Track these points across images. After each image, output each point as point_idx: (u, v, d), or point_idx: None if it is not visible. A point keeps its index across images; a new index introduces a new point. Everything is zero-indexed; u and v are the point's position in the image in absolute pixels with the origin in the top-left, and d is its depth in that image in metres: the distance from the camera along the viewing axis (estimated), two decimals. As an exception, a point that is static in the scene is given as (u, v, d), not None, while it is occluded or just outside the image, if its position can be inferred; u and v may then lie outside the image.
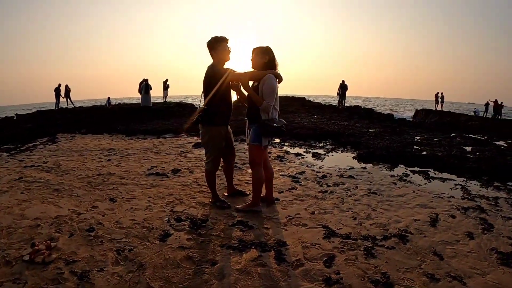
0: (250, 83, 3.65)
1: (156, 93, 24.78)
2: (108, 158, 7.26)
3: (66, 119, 14.30)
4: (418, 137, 10.54)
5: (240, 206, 4.09)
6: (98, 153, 7.86)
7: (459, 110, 46.45)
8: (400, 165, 7.02)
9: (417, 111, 31.34)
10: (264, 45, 3.68)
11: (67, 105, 22.71)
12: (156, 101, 20.97)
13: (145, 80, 17.96)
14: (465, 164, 6.89)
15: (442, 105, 30.60)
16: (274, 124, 3.53)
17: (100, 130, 12.04)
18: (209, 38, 3.67)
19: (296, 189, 5.06)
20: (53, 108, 21.53)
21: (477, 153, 8.37)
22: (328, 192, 4.99)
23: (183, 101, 25.33)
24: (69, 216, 3.93)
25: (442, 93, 30.57)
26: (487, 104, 29.14)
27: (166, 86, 24.01)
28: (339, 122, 14.15)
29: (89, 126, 13.17)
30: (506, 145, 10.52)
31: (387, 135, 10.36)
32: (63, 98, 22.87)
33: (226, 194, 4.55)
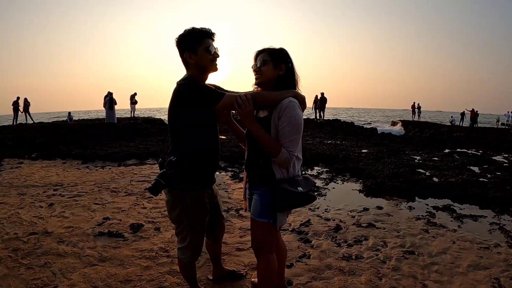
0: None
1: (124, 106, 23.08)
2: (51, 201, 5.59)
3: (19, 139, 12.33)
4: (417, 157, 9.80)
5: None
6: (41, 192, 6.17)
7: (432, 119, 47.60)
8: (416, 198, 5.97)
9: (393, 122, 31.03)
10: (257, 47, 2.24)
11: (26, 121, 20.90)
12: (122, 116, 19.34)
13: (110, 94, 16.28)
14: (486, 193, 6.05)
15: (419, 115, 30.38)
16: (299, 189, 2.01)
17: (54, 154, 10.28)
18: (181, 32, 2.14)
19: (309, 257, 3.59)
20: (10, 124, 19.71)
21: (489, 175, 7.78)
22: (353, 257, 3.59)
23: (152, 117, 23.69)
24: None
25: (418, 104, 30.28)
26: (463, 113, 29.38)
27: (133, 101, 22.30)
28: (325, 140, 13.01)
29: (43, 147, 11.46)
30: (507, 162, 10.10)
31: (385, 156, 9.22)
32: (22, 113, 21.14)
33: (211, 278, 2.99)
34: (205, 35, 2.10)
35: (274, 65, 2.09)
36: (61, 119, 26.15)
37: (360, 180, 6.93)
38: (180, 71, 2.19)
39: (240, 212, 4.90)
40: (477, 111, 27.36)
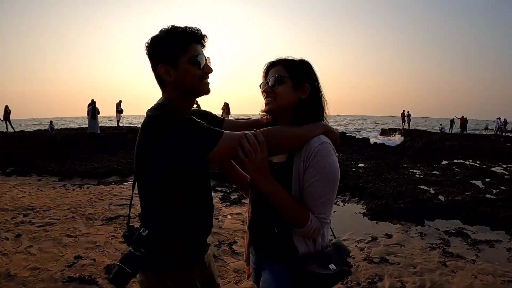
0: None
1: (110, 113, 22.22)
2: (19, 231, 4.91)
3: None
4: (417, 171, 9.38)
5: None
6: (9, 218, 5.49)
7: (421, 126, 47.75)
8: (425, 221, 5.50)
9: (383, 130, 30.79)
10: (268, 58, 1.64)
11: (6, 129, 19.84)
12: (107, 124, 18.54)
13: (93, 103, 15.51)
14: (497, 213, 5.75)
15: (408, 123, 30.18)
16: (332, 267, 1.32)
17: (30, 170, 9.53)
18: (155, 34, 1.37)
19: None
20: None
21: (494, 190, 7.53)
22: (370, 307, 3.04)
23: (137, 126, 22.90)
24: None
25: (408, 112, 30.07)
26: (452, 120, 29.38)
27: (119, 109, 21.35)
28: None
29: (20, 161, 10.69)
30: (507, 173, 9.95)
31: (384, 171, 8.73)
32: (2, 121, 20.30)
33: None
34: (191, 39, 1.35)
35: (294, 85, 1.39)
36: (43, 127, 25.23)
37: (363, 201, 6.41)
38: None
39: (234, 247, 4.29)
40: (466, 118, 27.40)
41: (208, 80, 1.40)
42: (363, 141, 16.17)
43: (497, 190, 7.51)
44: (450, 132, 28.52)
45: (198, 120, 1.27)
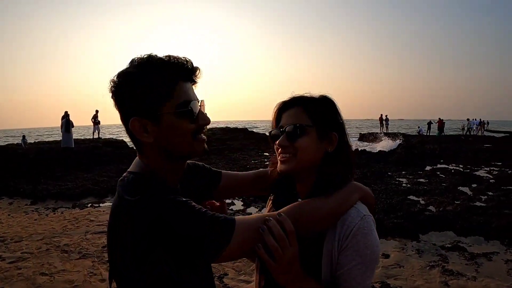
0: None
1: (88, 122, 21.10)
2: (-15, 270, 4.48)
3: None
4: (403, 180, 9.38)
5: None
6: (-23, 253, 5.03)
7: (398, 129, 48.57)
8: (420, 236, 5.37)
9: (361, 135, 30.92)
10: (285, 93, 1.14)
11: None
12: (85, 136, 17.66)
13: (66, 116, 14.76)
14: (489, 221, 5.73)
15: (387, 127, 30.45)
16: None
17: (0, 191, 8.98)
18: (124, 69, 0.92)
19: None
20: None
21: (482, 197, 7.55)
22: None
23: (114, 138, 22.07)
24: None
25: (386, 116, 30.36)
26: (429, 123, 29.91)
27: (96, 121, 20.09)
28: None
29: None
30: (491, 177, 10.05)
31: (371, 181, 8.60)
32: None
33: None
34: (178, 76, 0.93)
35: (319, 135, 1.05)
36: (16, 140, 24.17)
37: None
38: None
39: (225, 280, 3.98)
40: (443, 120, 28.04)
41: (204, 136, 0.99)
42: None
43: (486, 197, 7.53)
44: (428, 134, 29.03)
45: (197, 206, 0.86)
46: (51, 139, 24.67)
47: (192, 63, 0.95)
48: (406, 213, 5.96)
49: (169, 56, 0.92)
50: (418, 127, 30.80)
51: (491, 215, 6.06)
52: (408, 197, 7.31)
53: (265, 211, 1.19)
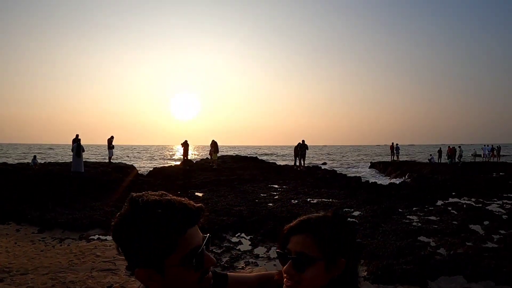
0: None
1: (102, 141, 21.55)
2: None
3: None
4: (414, 218, 9.21)
5: None
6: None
7: (409, 156, 48.48)
8: (429, 283, 5.26)
9: (372, 163, 30.87)
10: None
11: None
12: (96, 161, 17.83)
13: (78, 141, 14.89)
14: (500, 265, 5.59)
15: (398, 156, 30.40)
16: None
17: (7, 216, 8.96)
18: (124, 215, 0.89)
19: None
20: None
21: (494, 237, 7.36)
22: None
23: (123, 163, 22.40)
24: None
25: (397, 144, 30.35)
26: (440, 150, 29.86)
27: (111, 146, 20.76)
28: (310, 197, 12.37)
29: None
30: (504, 212, 9.94)
31: (381, 220, 8.51)
32: None
33: None
34: (186, 224, 0.91)
35: (327, 265, 1.03)
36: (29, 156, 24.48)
37: (362, 261, 6.16)
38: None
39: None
40: (454, 147, 28.12)
41: (210, 273, 0.97)
42: (355, 181, 16.08)
43: (498, 236, 7.40)
44: (439, 161, 28.91)
45: None
46: (66, 157, 24.89)
47: (201, 208, 0.94)
48: (415, 258, 5.88)
49: (173, 202, 0.90)
50: (430, 155, 30.67)
51: (503, 257, 5.95)
52: (418, 237, 7.22)
53: None
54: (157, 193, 0.94)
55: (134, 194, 0.92)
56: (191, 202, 0.93)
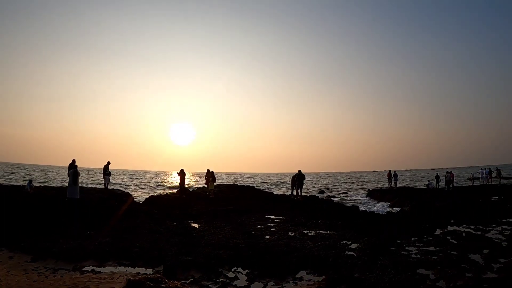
0: None
1: (98, 164, 21.42)
2: None
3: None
4: (412, 250, 9.05)
5: None
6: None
7: (407, 182, 48.55)
8: None
9: (370, 191, 30.75)
10: None
11: None
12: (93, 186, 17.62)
13: (74, 167, 14.36)
14: None
15: (395, 183, 30.37)
16: None
17: (1, 240, 8.80)
18: None
19: None
20: None
21: (494, 266, 7.24)
22: None
23: (119, 190, 22.16)
24: None
25: (394, 172, 30.41)
26: (437, 176, 29.92)
27: (107, 172, 20.76)
28: (307, 229, 12.30)
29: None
30: (504, 239, 9.84)
31: (379, 257, 8.33)
32: None
33: None
34: None
35: None
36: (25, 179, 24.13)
37: (361, 298, 6.04)
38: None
39: None
40: (451, 172, 28.27)
41: None
42: (353, 211, 16.00)
43: (498, 265, 7.30)
44: (437, 187, 28.93)
45: None
46: (57, 186, 24.56)
47: None
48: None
49: None
50: (428, 181, 30.70)
51: (504, 288, 5.86)
52: (417, 270, 7.09)
53: None
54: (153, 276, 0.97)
55: (131, 279, 0.95)
56: None
